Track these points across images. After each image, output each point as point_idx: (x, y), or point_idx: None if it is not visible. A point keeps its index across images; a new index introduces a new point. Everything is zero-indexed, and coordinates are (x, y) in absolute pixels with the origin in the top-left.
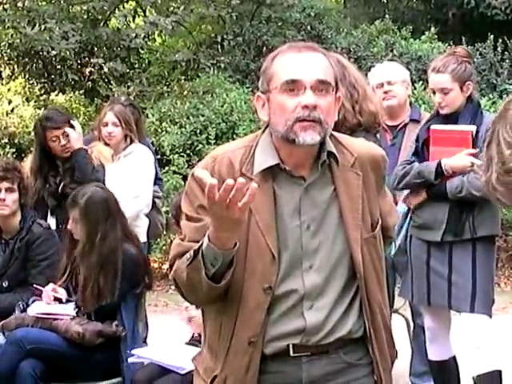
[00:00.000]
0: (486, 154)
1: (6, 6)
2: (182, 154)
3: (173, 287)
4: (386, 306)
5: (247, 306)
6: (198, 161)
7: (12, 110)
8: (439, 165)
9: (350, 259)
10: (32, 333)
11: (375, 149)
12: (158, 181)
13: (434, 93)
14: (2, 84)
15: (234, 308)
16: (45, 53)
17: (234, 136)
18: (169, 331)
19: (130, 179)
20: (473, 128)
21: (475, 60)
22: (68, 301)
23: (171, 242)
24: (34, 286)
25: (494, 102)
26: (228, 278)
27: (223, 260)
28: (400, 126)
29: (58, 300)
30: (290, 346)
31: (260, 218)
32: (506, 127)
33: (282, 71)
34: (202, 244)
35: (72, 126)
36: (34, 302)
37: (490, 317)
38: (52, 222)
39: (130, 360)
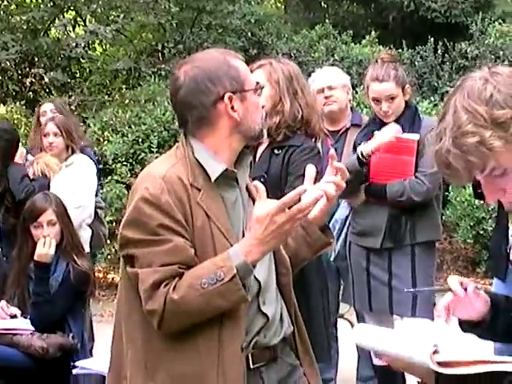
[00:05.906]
0: (440, 126)
1: None
2: (124, 163)
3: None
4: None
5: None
6: (141, 169)
7: None
8: (358, 156)
9: (274, 254)
10: None
11: None
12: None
13: (377, 101)
14: None
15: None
16: None
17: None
18: None
19: (72, 189)
20: (417, 137)
21: (416, 63)
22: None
23: (116, 251)
24: None
25: (435, 105)
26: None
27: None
28: (341, 131)
29: (11, 316)
30: (250, 356)
31: (220, 223)
32: (463, 96)
33: (249, 74)
34: (228, 268)
35: None
36: None
37: (433, 320)
38: None
39: (74, 372)
